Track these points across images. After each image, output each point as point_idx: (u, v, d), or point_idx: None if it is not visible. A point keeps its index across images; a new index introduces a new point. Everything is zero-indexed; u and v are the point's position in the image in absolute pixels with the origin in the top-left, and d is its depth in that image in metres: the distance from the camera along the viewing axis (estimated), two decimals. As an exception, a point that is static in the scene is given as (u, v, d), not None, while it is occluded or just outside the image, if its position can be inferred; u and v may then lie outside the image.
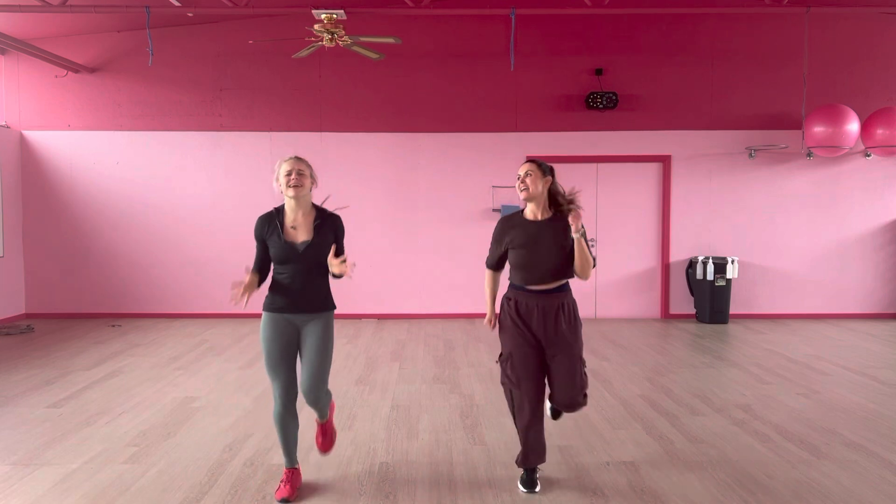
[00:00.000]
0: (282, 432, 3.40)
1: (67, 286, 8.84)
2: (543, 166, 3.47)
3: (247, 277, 3.26)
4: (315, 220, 3.37)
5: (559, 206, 3.48)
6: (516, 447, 4.02)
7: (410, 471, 3.71)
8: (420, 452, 3.99)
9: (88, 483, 3.53)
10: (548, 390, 3.51)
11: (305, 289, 3.33)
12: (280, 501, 3.32)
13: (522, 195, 3.45)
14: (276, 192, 3.40)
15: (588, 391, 3.52)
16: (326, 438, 3.70)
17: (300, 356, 3.41)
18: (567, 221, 3.37)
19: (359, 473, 3.67)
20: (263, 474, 3.65)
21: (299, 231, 3.34)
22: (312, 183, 3.42)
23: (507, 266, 3.56)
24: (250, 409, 4.84)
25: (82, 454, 3.93)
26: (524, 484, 3.47)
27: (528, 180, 3.41)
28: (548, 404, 3.69)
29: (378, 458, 3.91)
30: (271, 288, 3.38)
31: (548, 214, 3.46)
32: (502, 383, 3.48)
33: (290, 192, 3.30)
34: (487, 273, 3.65)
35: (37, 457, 3.90)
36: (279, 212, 3.40)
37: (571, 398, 3.40)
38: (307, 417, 4.06)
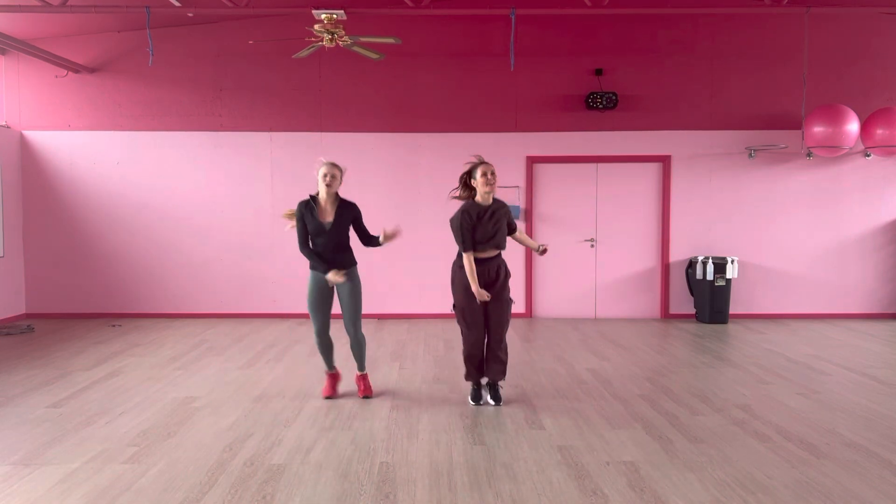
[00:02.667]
0: (321, 350, 5.08)
1: (67, 286, 8.84)
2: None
3: (330, 276, 4.83)
4: (338, 207, 4.89)
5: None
6: (516, 447, 4.04)
7: (410, 471, 3.71)
8: (420, 452, 3.99)
9: (88, 483, 3.53)
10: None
11: (337, 252, 4.92)
12: (325, 398, 5.03)
13: (487, 189, 4.69)
14: (314, 179, 4.92)
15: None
16: (367, 384, 5.17)
17: (339, 303, 4.99)
18: (505, 208, 4.87)
19: (359, 473, 3.68)
20: (263, 474, 3.65)
21: (327, 214, 4.88)
22: (339, 182, 4.93)
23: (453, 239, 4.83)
24: (250, 409, 4.85)
25: (82, 454, 3.93)
26: (472, 396, 4.92)
27: (494, 178, 4.73)
28: (489, 397, 4.95)
29: (378, 458, 3.91)
30: (313, 252, 4.90)
31: (490, 202, 4.78)
32: (458, 322, 4.89)
33: (324, 188, 4.84)
34: (468, 255, 4.74)
35: (37, 457, 3.90)
36: (314, 199, 4.88)
37: (501, 330, 4.82)
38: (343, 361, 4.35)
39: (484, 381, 5.02)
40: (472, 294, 4.69)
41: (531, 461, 3.82)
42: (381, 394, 5.27)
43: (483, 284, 4.75)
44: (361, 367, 5.18)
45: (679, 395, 5.21)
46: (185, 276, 8.84)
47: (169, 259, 8.83)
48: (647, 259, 8.94)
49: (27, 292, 8.86)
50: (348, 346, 5.22)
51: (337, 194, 4.93)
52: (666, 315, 8.93)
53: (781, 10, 7.51)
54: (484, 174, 4.71)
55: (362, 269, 9.53)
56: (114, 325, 8.25)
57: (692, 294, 8.75)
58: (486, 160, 4.85)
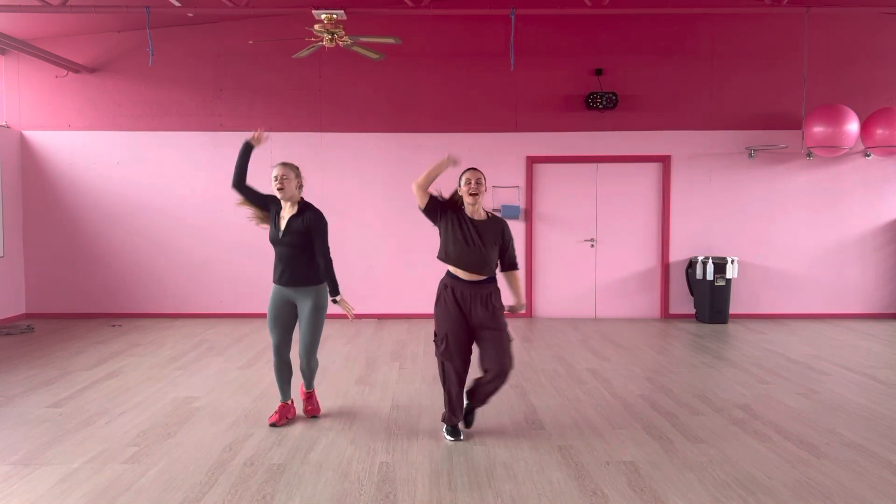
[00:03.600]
0: (277, 376, 4.52)
1: (67, 286, 8.84)
2: (483, 176, 4.13)
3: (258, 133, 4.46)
4: (294, 213, 4.28)
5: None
6: (516, 447, 4.04)
7: (410, 471, 3.71)
8: (420, 452, 3.99)
9: (88, 483, 3.53)
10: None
11: (290, 266, 4.29)
12: (270, 425, 4.41)
13: (471, 199, 4.04)
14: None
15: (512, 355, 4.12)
16: (312, 405, 4.66)
17: (298, 326, 4.40)
18: (500, 227, 4.11)
19: (359, 473, 3.68)
20: (263, 474, 3.65)
21: (284, 221, 4.30)
22: (298, 183, 4.32)
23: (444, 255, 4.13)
24: (250, 409, 4.85)
25: (82, 454, 3.93)
26: (449, 433, 4.18)
27: (480, 188, 4.05)
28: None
29: (378, 458, 3.91)
30: (274, 266, 4.38)
31: (482, 216, 4.11)
32: (437, 356, 4.11)
33: (277, 193, 4.29)
34: (419, 186, 4.14)
35: (37, 457, 3.90)
36: (279, 203, 4.35)
37: (502, 363, 3.99)
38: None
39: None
40: (455, 318, 4.00)
41: (531, 461, 3.82)
42: (381, 394, 5.27)
43: (462, 312, 4.02)
44: (308, 384, 4.64)
45: (679, 395, 5.21)
46: (185, 276, 8.84)
47: (169, 259, 8.83)
48: (647, 259, 8.94)
49: (27, 292, 8.86)
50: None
51: (300, 200, 4.34)
52: (666, 315, 8.93)
53: (781, 10, 7.51)
54: (468, 181, 4.04)
55: (361, 269, 9.47)
56: (114, 325, 8.24)
57: (692, 294, 8.75)
58: (469, 166, 4.28)
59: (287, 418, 4.51)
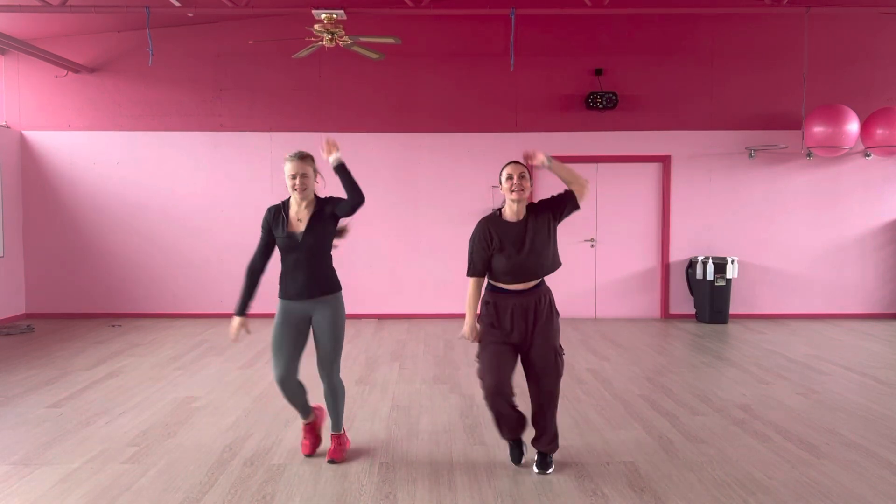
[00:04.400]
0: (291, 403, 3.78)
1: (67, 286, 8.84)
2: (528, 169, 3.63)
3: (236, 322, 3.70)
4: (314, 210, 3.66)
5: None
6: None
7: (410, 471, 3.71)
8: (420, 452, 3.99)
9: (88, 483, 3.53)
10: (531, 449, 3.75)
11: (309, 275, 3.62)
12: (306, 455, 3.87)
13: (514, 196, 3.51)
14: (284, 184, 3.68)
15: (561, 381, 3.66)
16: (340, 445, 3.88)
17: (314, 340, 3.72)
18: (546, 215, 3.58)
19: (359, 473, 3.67)
20: (263, 474, 3.65)
21: (301, 223, 3.64)
22: (317, 180, 3.71)
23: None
24: (250, 409, 4.84)
25: (82, 454, 3.93)
26: (512, 456, 3.75)
27: (523, 182, 3.54)
28: (533, 457, 3.72)
29: (378, 458, 3.91)
30: (281, 277, 3.68)
31: (524, 213, 3.61)
32: (478, 374, 3.60)
33: (296, 195, 3.63)
34: (472, 282, 3.56)
35: (37, 457, 3.90)
36: (286, 205, 3.70)
37: (549, 387, 3.53)
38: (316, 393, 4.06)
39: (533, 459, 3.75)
40: (495, 335, 3.51)
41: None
42: (381, 394, 5.27)
43: (512, 328, 3.49)
44: (337, 425, 3.86)
45: (679, 395, 5.21)
46: (185, 276, 8.84)
47: (169, 259, 8.83)
48: (647, 259, 8.94)
49: (27, 292, 8.86)
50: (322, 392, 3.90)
51: (315, 197, 3.72)
52: (666, 315, 8.93)
53: (781, 10, 7.51)
54: (509, 177, 3.53)
55: (361, 269, 9.48)
56: (114, 325, 8.24)
57: (692, 294, 8.75)
58: (520, 161, 3.68)
59: (319, 442, 3.93)
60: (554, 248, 3.61)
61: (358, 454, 3.96)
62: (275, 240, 3.66)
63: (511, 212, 3.57)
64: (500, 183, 3.61)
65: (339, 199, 3.68)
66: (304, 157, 3.63)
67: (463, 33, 8.72)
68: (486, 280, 3.60)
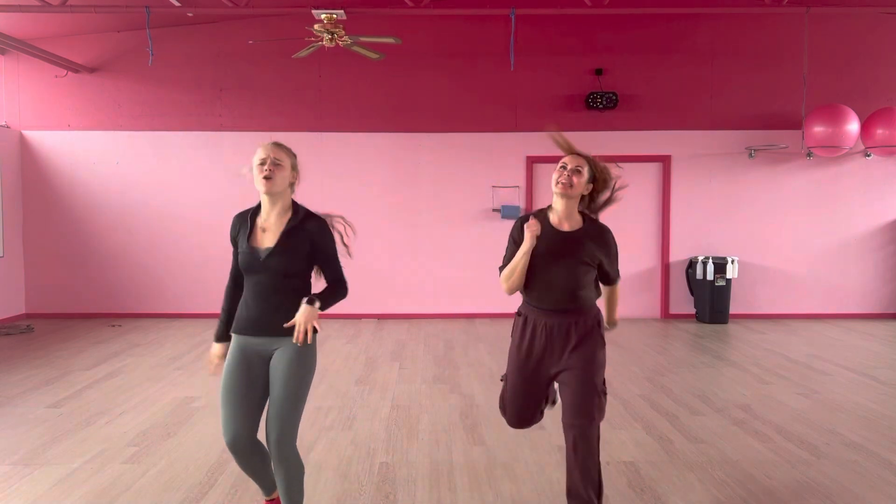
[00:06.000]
0: (249, 474, 2.82)
1: (67, 286, 8.84)
2: (594, 169, 3.00)
3: (215, 349, 2.86)
4: (289, 222, 2.75)
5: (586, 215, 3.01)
6: (516, 447, 4.04)
7: (410, 471, 3.71)
8: (420, 452, 3.99)
9: (88, 483, 3.53)
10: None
11: (271, 304, 2.69)
12: None
13: (558, 188, 2.90)
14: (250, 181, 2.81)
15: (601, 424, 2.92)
16: None
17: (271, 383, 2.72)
18: (597, 237, 2.98)
19: (359, 473, 3.67)
20: (263, 474, 3.65)
21: (268, 234, 2.74)
22: (294, 177, 2.83)
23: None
24: (250, 409, 4.84)
25: (82, 454, 3.93)
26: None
27: (574, 177, 2.92)
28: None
29: (378, 458, 3.91)
30: (240, 303, 2.79)
31: (576, 224, 2.96)
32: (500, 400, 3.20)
33: (262, 185, 2.70)
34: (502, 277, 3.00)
35: (37, 457, 3.90)
36: (257, 210, 2.83)
37: (582, 430, 2.79)
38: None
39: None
40: (524, 358, 2.95)
41: (531, 461, 3.82)
42: (380, 394, 5.27)
43: (541, 352, 2.92)
44: (270, 491, 2.89)
45: (679, 395, 5.21)
46: (186, 277, 8.84)
47: (169, 259, 8.83)
48: (647, 259, 8.93)
49: (27, 292, 8.86)
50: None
51: (293, 203, 2.83)
52: (666, 315, 8.93)
53: (781, 10, 7.51)
54: (563, 166, 2.97)
55: (362, 269, 9.53)
56: (114, 325, 8.24)
57: (692, 294, 8.75)
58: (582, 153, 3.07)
59: None
60: (589, 281, 2.99)
61: (358, 454, 3.96)
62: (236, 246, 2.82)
63: (556, 214, 2.94)
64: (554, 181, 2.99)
65: (332, 250, 2.81)
66: (281, 145, 2.82)
67: (463, 33, 8.72)
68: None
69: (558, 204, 2.94)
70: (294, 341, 2.59)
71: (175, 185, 8.80)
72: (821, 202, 8.79)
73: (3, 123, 8.70)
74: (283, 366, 2.68)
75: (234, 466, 3.75)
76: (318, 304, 2.65)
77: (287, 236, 2.72)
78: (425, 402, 5.01)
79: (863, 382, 5.57)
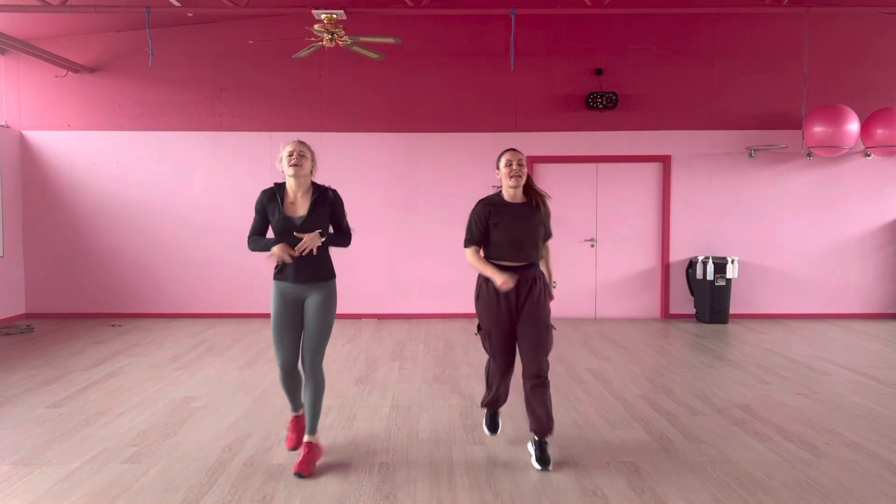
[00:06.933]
0: (287, 391, 3.83)
1: (67, 286, 8.84)
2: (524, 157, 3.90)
3: (276, 248, 3.59)
4: (314, 195, 3.69)
5: (529, 194, 3.90)
6: (516, 447, 4.04)
7: (410, 471, 3.71)
8: (420, 452, 3.99)
9: (88, 483, 3.53)
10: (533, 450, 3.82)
11: (304, 259, 3.63)
12: (289, 449, 3.89)
13: (512, 181, 3.79)
14: (279, 171, 3.71)
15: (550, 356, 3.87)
16: (310, 455, 3.72)
17: (304, 326, 3.73)
18: (541, 207, 3.86)
19: (359, 473, 3.67)
20: (263, 474, 3.65)
21: (298, 207, 3.67)
22: (313, 166, 3.74)
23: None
24: (250, 409, 4.84)
25: (82, 454, 3.93)
26: (489, 427, 4.12)
27: (521, 169, 3.80)
28: (532, 454, 3.83)
29: (378, 458, 3.91)
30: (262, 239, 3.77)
31: (523, 199, 3.87)
32: (484, 348, 3.91)
33: (290, 170, 3.62)
34: (471, 250, 3.84)
35: (37, 457, 3.90)
36: (280, 187, 3.72)
37: (539, 361, 3.70)
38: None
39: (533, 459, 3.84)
40: (497, 315, 3.74)
41: (531, 461, 3.81)
42: (381, 394, 5.27)
43: (507, 303, 3.74)
44: (313, 427, 3.79)
45: (679, 395, 5.21)
46: (186, 277, 8.84)
47: (169, 259, 8.83)
48: (647, 259, 8.94)
49: (27, 292, 8.86)
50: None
51: (312, 183, 3.76)
52: (666, 315, 8.93)
53: (781, 10, 7.51)
54: (508, 163, 3.82)
55: (361, 269, 9.48)
56: (114, 325, 8.24)
57: (692, 294, 8.75)
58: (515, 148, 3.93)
59: (303, 433, 3.85)
60: (539, 239, 3.85)
61: (358, 454, 3.96)
62: (268, 221, 3.73)
63: (509, 195, 3.86)
64: (498, 168, 3.89)
65: (340, 213, 3.79)
66: (303, 143, 3.71)
67: (463, 33, 8.72)
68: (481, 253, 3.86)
69: (511, 189, 3.84)
70: (296, 250, 3.56)
71: (175, 185, 8.81)
72: (821, 202, 8.79)
73: (3, 123, 8.70)
74: (313, 308, 3.68)
75: (234, 466, 3.75)
76: (323, 236, 3.64)
77: (315, 205, 3.67)
78: (425, 402, 5.01)
79: (863, 382, 5.57)
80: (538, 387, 3.71)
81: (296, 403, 3.89)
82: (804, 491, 3.42)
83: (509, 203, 3.85)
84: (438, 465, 3.78)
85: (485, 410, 4.20)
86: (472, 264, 3.83)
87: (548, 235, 3.96)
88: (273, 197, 3.69)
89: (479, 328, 3.89)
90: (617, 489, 3.45)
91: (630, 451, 3.98)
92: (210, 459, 3.86)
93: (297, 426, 3.91)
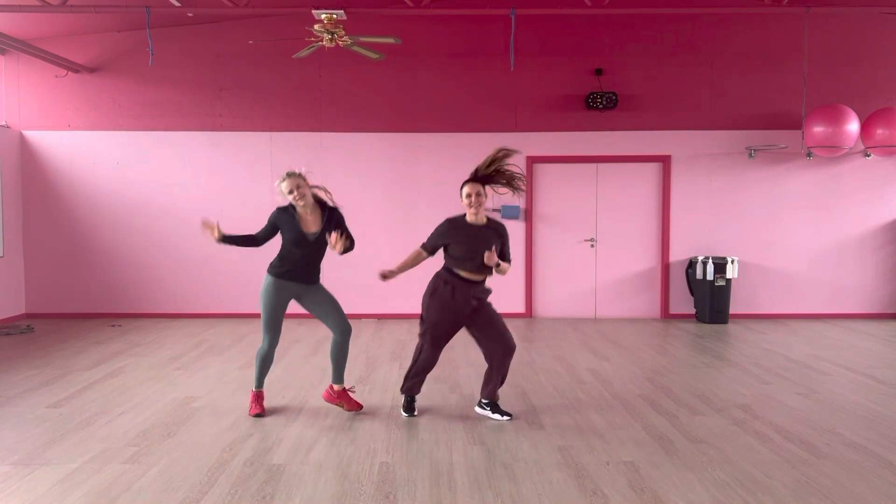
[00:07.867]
0: (263, 366, 4.65)
1: (67, 286, 8.84)
2: (483, 188, 4.53)
3: (216, 227, 4.58)
4: (322, 214, 4.50)
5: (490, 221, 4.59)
6: (516, 447, 4.04)
7: (410, 471, 3.71)
8: (420, 452, 3.99)
9: (88, 483, 3.53)
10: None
11: (311, 265, 4.54)
12: (255, 416, 4.60)
13: (472, 210, 4.43)
14: (280, 197, 4.48)
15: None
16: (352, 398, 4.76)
17: (315, 311, 4.63)
18: (497, 230, 4.52)
19: (359, 473, 3.67)
20: (263, 474, 3.65)
21: (310, 223, 4.48)
22: (310, 189, 4.48)
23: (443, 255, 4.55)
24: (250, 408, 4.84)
25: (82, 454, 3.93)
26: (407, 410, 4.67)
27: (479, 199, 4.45)
28: (491, 415, 4.61)
29: (378, 458, 3.91)
30: (284, 259, 4.51)
31: (484, 222, 4.48)
32: (419, 337, 4.60)
33: (298, 205, 4.43)
34: (419, 249, 4.59)
35: (37, 457, 3.90)
36: (294, 208, 4.47)
37: (508, 342, 4.49)
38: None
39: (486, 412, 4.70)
40: (451, 312, 4.44)
41: (531, 461, 3.82)
42: (380, 394, 5.27)
43: (462, 310, 4.46)
44: (339, 377, 4.72)
45: (679, 395, 5.21)
46: (185, 276, 8.84)
47: (169, 259, 8.83)
48: (647, 259, 8.94)
49: (27, 292, 8.86)
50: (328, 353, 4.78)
51: (315, 201, 4.53)
52: (666, 315, 8.93)
53: (781, 10, 7.51)
54: (468, 195, 4.46)
55: (361, 269, 9.51)
56: (114, 325, 8.24)
57: (692, 294, 8.75)
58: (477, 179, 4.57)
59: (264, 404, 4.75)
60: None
61: (358, 454, 3.96)
62: (277, 233, 4.54)
63: (471, 219, 4.48)
64: (462, 198, 4.49)
65: (342, 225, 4.54)
66: (293, 174, 4.42)
67: (463, 33, 8.72)
68: (427, 257, 4.65)
69: (472, 215, 4.46)
70: (331, 245, 4.34)
71: (175, 185, 8.80)
72: (821, 202, 8.80)
73: (3, 123, 8.70)
74: (321, 294, 4.62)
75: (234, 466, 3.75)
76: (343, 236, 4.37)
77: (327, 224, 4.48)
78: (425, 402, 5.01)
79: (863, 382, 5.57)
80: (507, 356, 4.51)
81: (261, 381, 4.71)
82: (804, 491, 3.42)
83: (471, 224, 4.47)
84: (438, 465, 3.78)
85: (403, 396, 4.77)
86: (406, 258, 4.66)
87: (506, 258, 4.55)
88: (288, 213, 4.48)
89: (422, 320, 4.55)
90: (617, 489, 3.45)
91: (630, 451, 3.98)
92: (210, 459, 3.86)
93: (260, 398, 4.72)
